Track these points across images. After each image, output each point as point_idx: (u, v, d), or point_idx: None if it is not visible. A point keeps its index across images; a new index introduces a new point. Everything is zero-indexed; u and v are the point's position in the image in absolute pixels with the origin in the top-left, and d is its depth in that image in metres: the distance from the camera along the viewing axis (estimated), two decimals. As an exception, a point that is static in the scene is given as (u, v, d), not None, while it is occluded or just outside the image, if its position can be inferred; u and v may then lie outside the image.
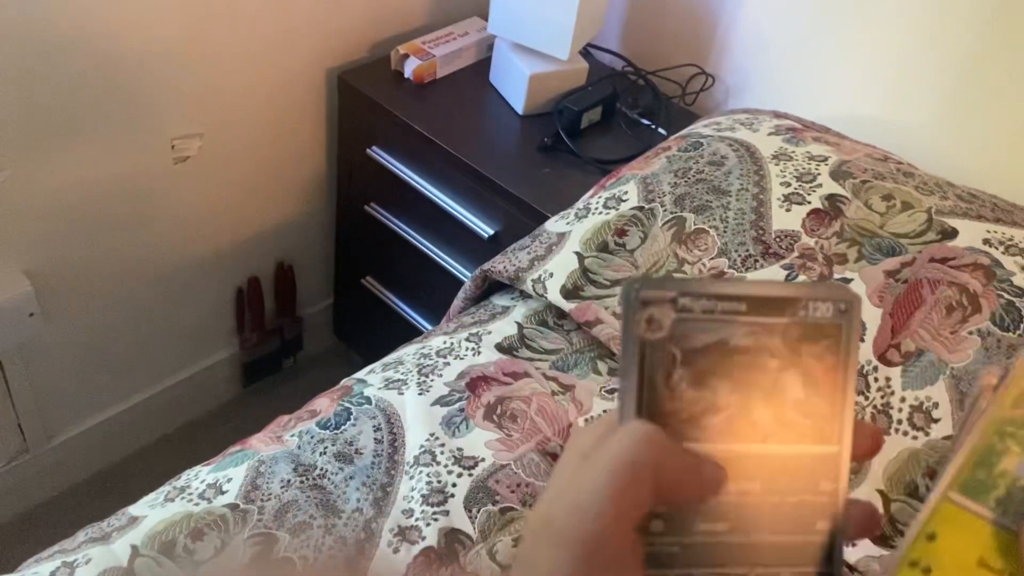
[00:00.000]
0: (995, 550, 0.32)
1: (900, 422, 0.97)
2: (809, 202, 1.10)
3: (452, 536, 0.92)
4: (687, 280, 0.32)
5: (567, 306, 1.12)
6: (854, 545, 0.93)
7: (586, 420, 1.05)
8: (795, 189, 1.12)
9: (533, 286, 1.15)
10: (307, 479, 0.96)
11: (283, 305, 1.89)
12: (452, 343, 1.14)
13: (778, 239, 1.08)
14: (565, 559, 0.30)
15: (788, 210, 1.10)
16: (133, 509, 0.94)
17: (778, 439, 0.32)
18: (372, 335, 1.90)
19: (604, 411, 1.06)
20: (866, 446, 0.34)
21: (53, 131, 1.34)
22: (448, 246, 1.60)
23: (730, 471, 0.32)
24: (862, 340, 1.00)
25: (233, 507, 0.92)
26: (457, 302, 1.28)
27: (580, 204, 1.21)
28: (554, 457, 1.01)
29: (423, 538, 0.91)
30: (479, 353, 1.13)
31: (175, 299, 1.69)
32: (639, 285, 0.31)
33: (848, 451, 0.33)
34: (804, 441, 0.32)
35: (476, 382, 1.08)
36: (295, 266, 1.86)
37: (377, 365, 1.13)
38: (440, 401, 1.06)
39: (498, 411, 1.05)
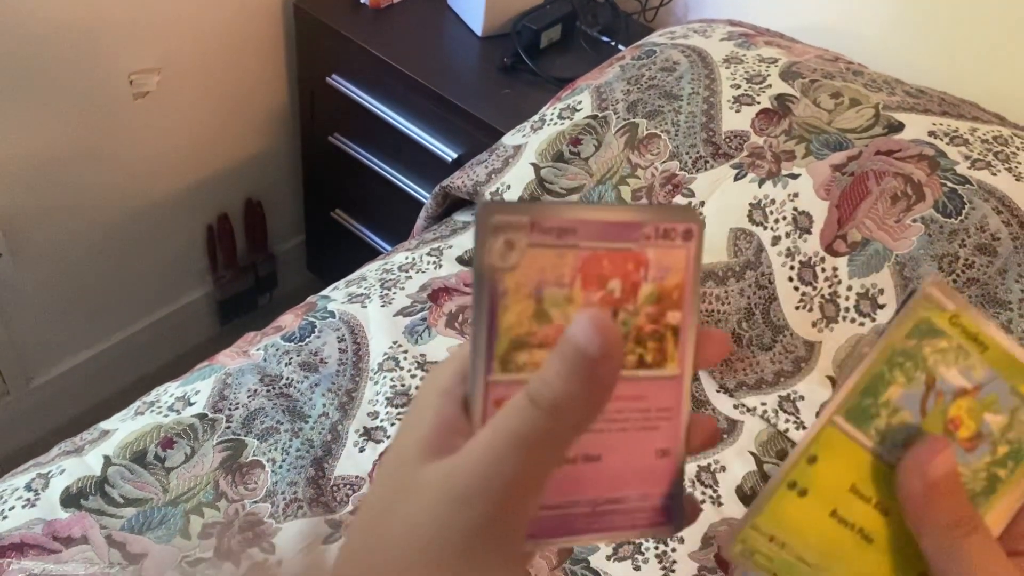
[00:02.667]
0: (869, 479, 0.32)
1: (848, 309, 1.00)
2: (759, 102, 1.12)
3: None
4: (539, 204, 0.30)
5: (525, 216, 1.14)
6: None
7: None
8: (745, 91, 1.13)
9: (491, 199, 1.17)
10: (273, 388, 0.98)
11: (254, 241, 1.90)
12: (414, 258, 1.16)
13: (728, 140, 1.10)
14: (463, 524, 0.28)
15: (738, 111, 1.11)
16: (105, 424, 0.97)
17: (624, 365, 0.31)
18: (345, 268, 1.91)
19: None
20: (713, 352, 0.33)
21: (5, 69, 1.33)
22: (414, 173, 1.61)
23: None
24: (808, 233, 1.02)
25: (201, 416, 0.95)
26: (420, 221, 1.30)
27: (536, 117, 1.22)
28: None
29: (387, 436, 0.94)
30: (440, 266, 1.15)
31: (145, 238, 1.70)
32: (490, 208, 0.29)
33: (690, 374, 0.33)
34: (647, 366, 0.32)
35: (437, 293, 1.11)
36: (264, 201, 1.87)
37: (341, 283, 1.15)
38: (403, 312, 1.08)
39: (460, 319, 1.08)
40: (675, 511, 0.33)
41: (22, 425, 1.70)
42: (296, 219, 1.98)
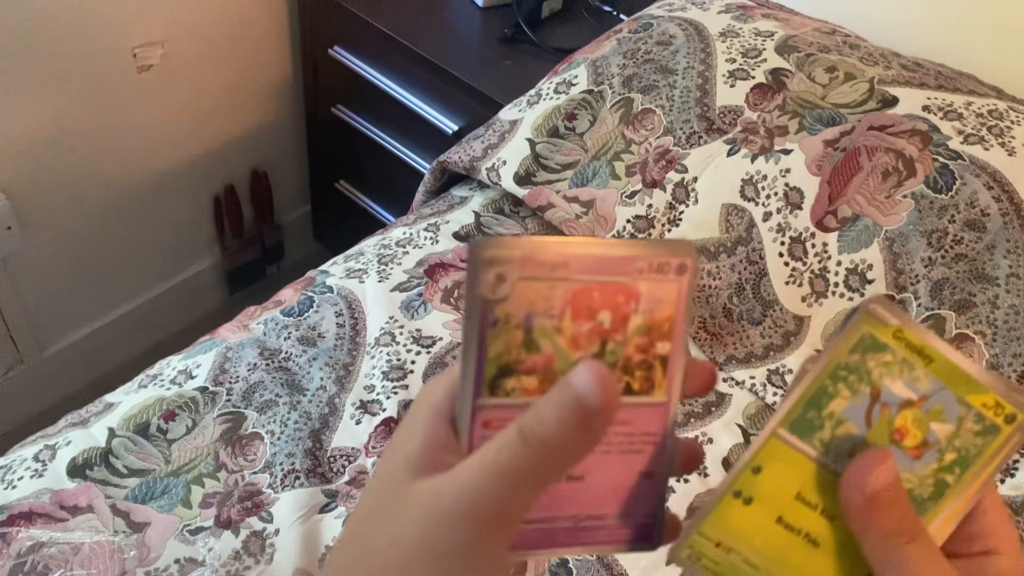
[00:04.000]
0: (814, 487, 0.33)
1: (837, 284, 1.01)
2: (753, 77, 1.12)
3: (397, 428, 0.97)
4: (531, 240, 0.31)
5: (520, 192, 1.15)
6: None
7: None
8: (740, 65, 1.13)
9: (487, 174, 1.18)
10: (272, 362, 1.01)
11: (261, 212, 1.92)
12: (411, 233, 1.18)
13: (722, 115, 1.10)
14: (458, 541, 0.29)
15: (732, 86, 1.11)
16: (109, 397, 1.00)
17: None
18: (351, 238, 1.93)
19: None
20: (700, 383, 0.34)
21: (10, 43, 1.35)
22: (415, 144, 1.62)
23: None
24: (799, 209, 1.03)
25: (202, 390, 0.97)
26: (418, 196, 1.31)
27: (532, 91, 1.23)
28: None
29: (384, 409, 0.97)
30: (437, 242, 1.16)
31: (153, 209, 1.73)
32: (483, 243, 0.30)
33: (676, 401, 0.34)
34: (635, 393, 0.33)
35: (434, 268, 1.12)
36: (269, 173, 1.89)
37: (339, 257, 1.17)
38: (399, 287, 1.10)
39: (455, 294, 1.09)
40: (656, 529, 0.35)
41: (37, 392, 1.75)
42: (301, 190, 2.00)
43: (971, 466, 0.33)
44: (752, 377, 1.04)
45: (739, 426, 1.01)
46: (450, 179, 1.31)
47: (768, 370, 1.04)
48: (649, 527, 0.35)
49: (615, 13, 1.56)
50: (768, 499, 0.33)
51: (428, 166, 1.58)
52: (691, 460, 0.35)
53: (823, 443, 0.33)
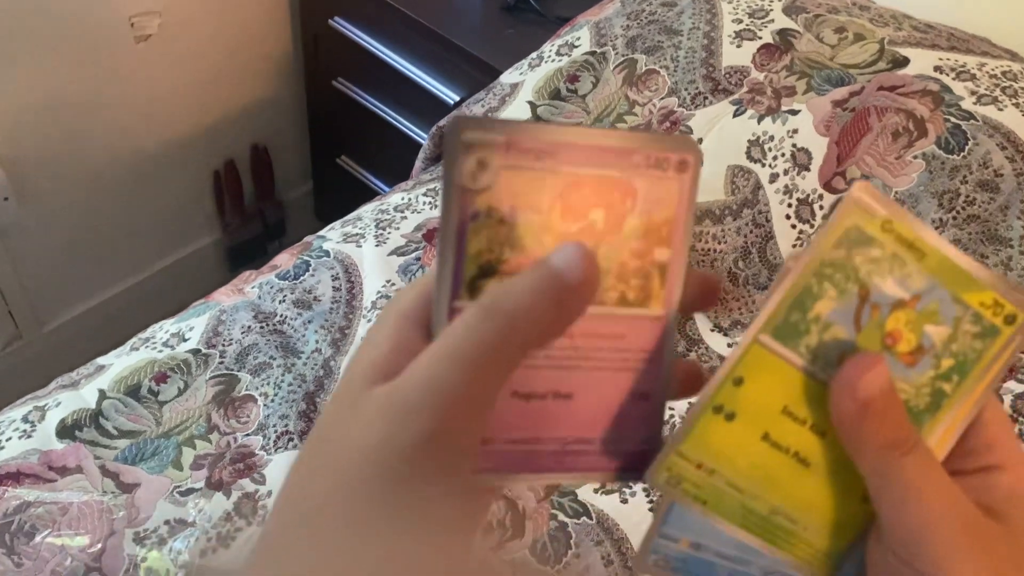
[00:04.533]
0: (802, 399, 0.30)
1: (845, 248, 0.98)
2: (760, 37, 1.09)
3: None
4: (516, 123, 0.28)
5: (521, 155, 1.13)
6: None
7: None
8: (747, 25, 1.11)
9: (488, 138, 1.16)
10: (267, 325, 0.99)
11: (262, 188, 1.90)
12: (410, 199, 1.16)
13: (728, 75, 1.07)
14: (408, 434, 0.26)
15: (739, 46, 1.09)
16: (101, 359, 0.98)
17: (600, 301, 0.29)
18: (352, 215, 1.91)
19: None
20: (701, 296, 0.32)
21: (6, 12, 1.33)
22: (417, 117, 1.60)
23: None
24: (807, 170, 1.00)
25: (195, 352, 0.95)
26: (417, 163, 1.29)
27: (534, 54, 1.21)
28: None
29: (378, 373, 0.94)
30: (436, 207, 1.14)
31: (152, 183, 1.71)
32: (463, 123, 0.27)
33: (675, 316, 0.31)
34: (628, 304, 0.30)
35: (433, 233, 1.10)
36: (270, 147, 1.87)
37: (337, 223, 1.15)
38: (397, 251, 1.08)
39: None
40: (649, 457, 0.31)
41: (35, 369, 1.73)
42: (303, 166, 1.98)
43: (970, 373, 0.30)
44: (757, 343, 1.02)
45: (744, 392, 0.98)
46: (450, 146, 1.29)
47: (774, 335, 1.01)
48: (642, 454, 0.31)
49: (620, -18, 1.53)
50: (752, 414, 0.30)
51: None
52: (691, 382, 0.32)
53: (809, 349, 0.29)
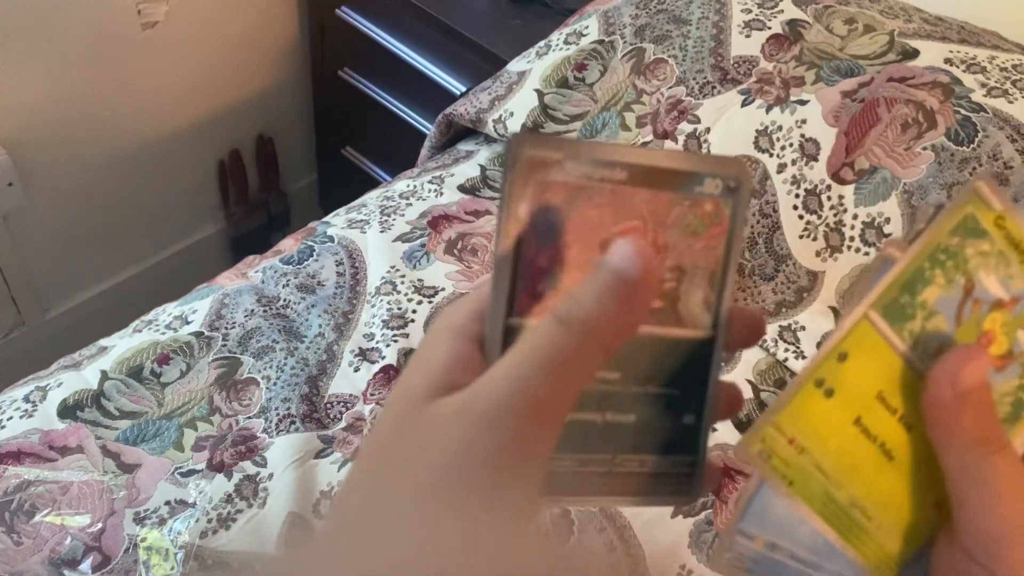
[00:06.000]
0: (897, 388, 0.29)
1: (852, 239, 0.98)
2: (769, 27, 1.08)
3: (411, 355, 0.94)
4: (575, 140, 0.28)
5: (528, 143, 1.12)
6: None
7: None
8: (756, 15, 1.10)
9: (494, 126, 1.15)
10: (270, 309, 0.98)
11: (266, 179, 1.90)
12: (415, 186, 1.15)
13: (736, 65, 1.07)
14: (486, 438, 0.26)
15: (748, 36, 1.08)
16: (104, 341, 0.97)
17: (650, 321, 0.29)
18: (357, 207, 1.91)
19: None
20: (743, 335, 0.31)
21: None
22: (423, 108, 1.59)
23: None
24: (815, 160, 1.00)
25: (198, 335, 0.95)
26: (423, 151, 1.29)
27: (542, 43, 1.20)
28: (513, 286, 1.03)
29: (383, 357, 0.94)
30: (441, 194, 1.14)
31: (157, 171, 1.70)
32: (524, 141, 0.27)
33: (723, 338, 0.30)
34: (676, 325, 0.30)
35: (437, 220, 1.10)
36: (275, 138, 1.86)
37: (341, 209, 1.15)
38: (402, 238, 1.07)
39: (459, 246, 1.07)
40: (695, 479, 0.31)
41: (37, 355, 1.72)
42: (308, 157, 1.97)
43: None
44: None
45: (749, 382, 0.98)
46: (456, 135, 1.28)
47: (780, 326, 1.00)
48: (688, 476, 0.31)
49: (628, -25, 1.52)
50: (850, 394, 0.29)
51: (436, 129, 1.56)
52: (733, 403, 0.33)
53: (912, 336, 0.29)
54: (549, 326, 0.27)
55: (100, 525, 0.79)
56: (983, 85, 1.01)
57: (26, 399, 0.89)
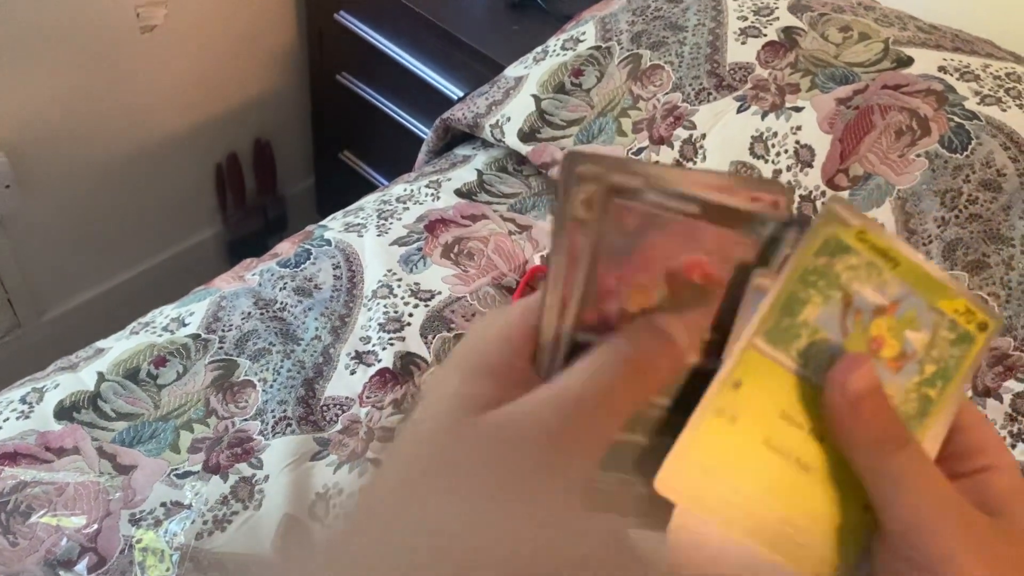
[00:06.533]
0: (798, 404, 0.30)
1: (846, 245, 0.98)
2: (765, 35, 1.09)
3: (407, 359, 0.95)
4: (626, 159, 0.28)
5: (524, 149, 1.13)
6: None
7: (542, 258, 1.07)
8: (752, 23, 1.11)
9: (491, 131, 1.16)
10: (267, 311, 0.99)
11: (264, 182, 1.90)
12: (412, 190, 1.16)
13: (732, 71, 1.07)
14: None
15: (744, 43, 1.09)
16: (101, 343, 0.98)
17: (695, 352, 0.31)
18: (354, 211, 1.91)
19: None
20: None
21: (12, 1, 1.33)
22: (421, 113, 1.60)
23: None
24: (810, 166, 1.00)
25: (195, 337, 0.95)
26: (421, 155, 1.29)
27: (539, 48, 1.21)
28: (509, 291, 1.04)
29: (379, 360, 0.94)
30: (438, 198, 1.14)
31: (154, 174, 1.71)
32: (577, 157, 0.28)
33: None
34: (717, 355, 0.31)
35: (434, 224, 1.10)
36: (273, 141, 1.87)
37: (338, 213, 1.15)
38: (398, 241, 1.08)
39: (455, 250, 1.07)
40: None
41: (33, 358, 1.72)
42: (305, 161, 1.98)
43: (953, 379, 0.31)
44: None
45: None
46: (453, 140, 1.29)
47: (774, 332, 1.01)
48: None
49: (625, -18, 1.53)
50: (752, 418, 0.30)
51: (433, 134, 1.56)
52: None
53: (800, 353, 0.30)
54: (607, 353, 0.28)
55: (96, 526, 0.79)
56: (976, 93, 1.02)
57: (23, 400, 0.90)
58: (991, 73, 1.04)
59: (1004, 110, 1.00)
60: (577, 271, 0.29)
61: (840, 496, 0.31)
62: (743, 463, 0.30)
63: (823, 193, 1.00)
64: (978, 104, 1.00)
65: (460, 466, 0.26)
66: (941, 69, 1.04)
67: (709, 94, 1.07)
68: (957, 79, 1.03)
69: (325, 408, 0.91)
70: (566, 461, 0.26)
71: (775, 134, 1.03)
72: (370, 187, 1.79)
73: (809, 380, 0.30)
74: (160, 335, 0.96)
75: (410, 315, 0.99)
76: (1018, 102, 1.01)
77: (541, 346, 0.29)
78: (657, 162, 1.07)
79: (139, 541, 0.78)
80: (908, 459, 0.29)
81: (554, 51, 1.17)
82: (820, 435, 0.30)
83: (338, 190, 1.94)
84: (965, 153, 0.97)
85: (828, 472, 0.30)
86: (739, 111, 1.05)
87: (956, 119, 0.99)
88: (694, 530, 0.31)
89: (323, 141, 1.89)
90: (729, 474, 0.30)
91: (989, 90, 1.02)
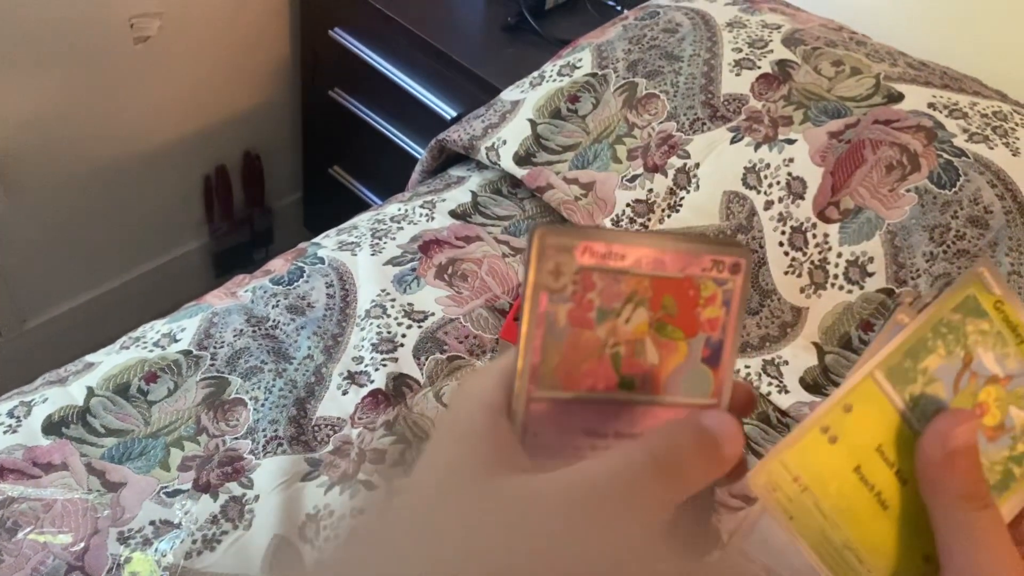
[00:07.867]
0: (895, 443, 0.32)
1: (836, 276, 1.00)
2: (759, 67, 1.11)
3: (400, 380, 0.95)
4: (591, 229, 0.31)
5: (519, 172, 1.14)
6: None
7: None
8: (747, 55, 1.13)
9: (487, 153, 1.17)
10: (259, 329, 0.98)
11: (252, 195, 1.90)
12: (406, 210, 1.16)
13: (726, 102, 1.09)
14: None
15: (738, 75, 1.11)
16: (90, 357, 0.97)
17: (662, 392, 0.32)
18: (342, 226, 1.91)
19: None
20: (738, 406, 0.34)
21: (5, 7, 1.32)
22: (413, 131, 1.60)
23: (611, 421, 0.32)
24: (801, 199, 1.02)
25: (186, 353, 0.95)
26: (415, 175, 1.30)
27: (535, 73, 1.22)
28: (502, 313, 1.04)
29: (372, 381, 0.94)
30: (432, 219, 1.14)
31: (142, 184, 1.70)
32: (544, 231, 0.30)
33: (726, 404, 0.33)
34: (686, 395, 0.32)
35: (428, 245, 1.10)
36: (262, 155, 1.86)
37: (332, 231, 1.15)
38: (392, 261, 1.08)
39: (449, 271, 1.08)
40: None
41: (14, 367, 1.71)
42: (294, 175, 1.98)
43: None
44: (747, 367, 1.02)
45: (733, 415, 0.99)
46: (447, 160, 1.29)
47: (763, 360, 1.02)
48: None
49: (619, 8, 1.55)
50: (852, 443, 0.32)
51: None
52: (748, 403, 0.34)
53: (912, 398, 0.32)
54: (638, 453, 0.28)
55: (83, 544, 0.79)
56: (965, 130, 1.04)
57: (10, 414, 0.89)
58: (979, 111, 1.06)
59: (991, 148, 1.02)
60: (547, 336, 0.30)
61: (907, 540, 0.32)
62: (831, 483, 0.32)
63: (814, 225, 1.01)
64: (966, 141, 1.02)
65: (486, 527, 0.27)
66: (931, 106, 1.06)
67: (703, 124, 1.08)
68: (946, 116, 1.05)
69: (316, 428, 0.90)
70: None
71: (768, 165, 1.04)
72: (358, 202, 1.79)
73: (911, 424, 0.32)
74: (151, 351, 0.95)
75: (403, 335, 0.99)
76: (1005, 140, 1.03)
77: (514, 410, 0.31)
78: (625, 229, 1.09)
79: (127, 560, 0.78)
80: (988, 520, 0.30)
81: (551, 76, 1.18)
82: (905, 478, 0.32)
83: (326, 205, 1.94)
84: (954, 189, 0.99)
85: (902, 515, 0.32)
86: (732, 142, 1.06)
87: (945, 155, 1.01)
88: (764, 530, 0.33)
89: (312, 156, 1.89)
90: (816, 488, 0.32)
91: (977, 128, 1.04)
